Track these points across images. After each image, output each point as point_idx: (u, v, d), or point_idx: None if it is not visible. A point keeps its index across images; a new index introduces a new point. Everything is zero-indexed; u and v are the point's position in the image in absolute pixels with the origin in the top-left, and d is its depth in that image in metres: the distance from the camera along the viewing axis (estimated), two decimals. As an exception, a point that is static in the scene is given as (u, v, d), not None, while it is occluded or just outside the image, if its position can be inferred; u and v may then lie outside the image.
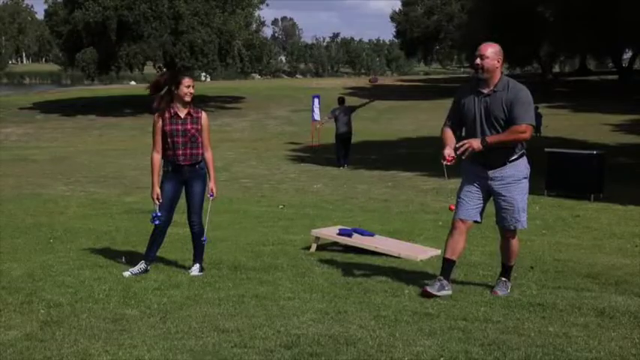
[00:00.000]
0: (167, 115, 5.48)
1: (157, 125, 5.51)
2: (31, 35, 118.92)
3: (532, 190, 14.42)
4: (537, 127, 23.10)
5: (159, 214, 5.55)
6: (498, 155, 4.85)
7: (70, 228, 8.19)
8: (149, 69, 42.04)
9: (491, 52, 4.85)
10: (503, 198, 4.93)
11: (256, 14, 40.79)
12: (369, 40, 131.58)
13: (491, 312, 4.56)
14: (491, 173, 4.91)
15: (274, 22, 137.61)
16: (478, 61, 4.85)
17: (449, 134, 5.05)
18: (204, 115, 5.61)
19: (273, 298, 4.90)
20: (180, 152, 5.47)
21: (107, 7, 33.55)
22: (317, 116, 23.83)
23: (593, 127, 25.68)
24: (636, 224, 9.05)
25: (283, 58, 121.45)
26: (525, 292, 5.09)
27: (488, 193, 4.98)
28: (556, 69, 62.50)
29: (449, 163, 4.90)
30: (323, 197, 12.00)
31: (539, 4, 33.01)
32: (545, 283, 5.43)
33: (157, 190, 5.53)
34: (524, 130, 4.77)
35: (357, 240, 6.72)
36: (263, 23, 42.97)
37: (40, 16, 66.80)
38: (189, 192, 5.59)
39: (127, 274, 5.54)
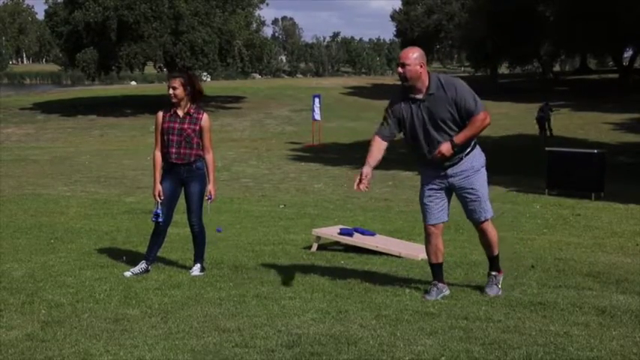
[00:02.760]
0: (167, 113, 5.55)
1: (157, 123, 5.58)
2: (32, 35, 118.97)
3: (533, 189, 14.34)
4: (548, 125, 23.11)
5: (159, 211, 5.56)
6: (454, 153, 4.76)
7: (70, 228, 8.19)
8: (149, 69, 42.08)
9: (412, 58, 4.70)
10: (466, 191, 4.86)
11: (256, 14, 40.83)
12: (370, 40, 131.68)
13: (493, 311, 4.56)
14: (449, 171, 4.83)
15: (274, 21, 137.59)
16: (400, 69, 4.71)
17: (377, 146, 4.89)
18: (205, 116, 5.58)
19: (274, 297, 4.90)
20: (174, 150, 5.49)
21: (107, 7, 33.55)
22: (317, 116, 23.84)
23: (594, 126, 25.68)
24: (637, 223, 9.06)
25: (283, 58, 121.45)
26: (526, 291, 5.09)
27: (450, 190, 4.90)
28: (556, 68, 62.45)
29: (362, 190, 4.73)
30: (324, 197, 12.00)
31: (540, 3, 33.00)
32: (546, 282, 5.42)
33: (159, 187, 5.55)
34: (483, 117, 4.70)
35: (357, 239, 6.72)
36: (263, 23, 42.98)
37: (41, 16, 66.91)
38: (187, 192, 5.60)
39: (127, 274, 5.53)
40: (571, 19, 28.13)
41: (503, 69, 59.20)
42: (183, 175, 5.55)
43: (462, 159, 4.81)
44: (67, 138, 28.36)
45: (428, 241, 5.01)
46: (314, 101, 24.07)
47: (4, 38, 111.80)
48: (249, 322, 4.31)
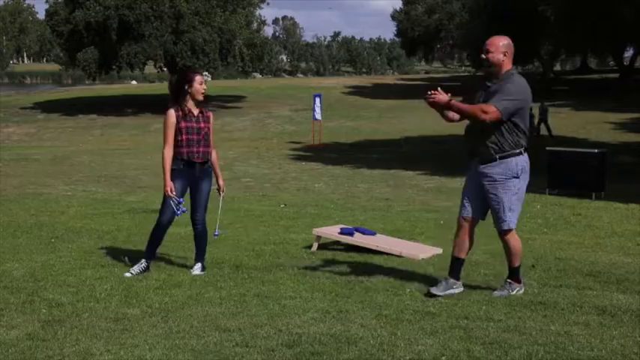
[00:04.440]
0: (181, 112, 5.49)
1: (170, 121, 5.48)
2: (32, 35, 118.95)
3: (533, 189, 14.39)
4: (547, 127, 23.10)
5: (182, 200, 5.54)
6: (484, 146, 4.77)
7: (71, 227, 8.19)
8: (150, 68, 42.07)
9: (497, 45, 4.80)
10: (490, 197, 4.88)
11: (257, 13, 40.84)
12: (370, 39, 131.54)
13: (493, 311, 4.56)
14: (482, 168, 4.86)
15: (275, 21, 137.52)
16: (483, 55, 4.82)
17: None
18: (211, 114, 5.73)
19: (275, 297, 4.90)
20: (195, 150, 5.49)
21: (108, 6, 33.56)
22: (318, 115, 23.84)
23: (595, 126, 25.67)
24: (638, 222, 9.04)
25: (284, 57, 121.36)
26: (527, 291, 5.09)
27: (483, 190, 4.92)
28: (557, 67, 62.41)
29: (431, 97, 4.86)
30: (324, 196, 12.00)
31: (540, 2, 32.97)
32: (546, 281, 5.42)
33: (171, 183, 5.46)
34: (486, 110, 4.67)
35: (358, 239, 6.72)
36: (264, 22, 42.97)
37: (41, 15, 66.90)
38: (197, 190, 5.58)
39: (128, 274, 5.52)
40: (571, 18, 28.12)
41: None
42: (197, 173, 5.54)
43: (496, 160, 4.81)
44: (67, 137, 28.37)
45: (456, 233, 5.05)
46: (315, 101, 24.07)
47: (4, 38, 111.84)
48: (249, 321, 4.31)
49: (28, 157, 20.16)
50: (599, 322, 4.33)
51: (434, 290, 4.90)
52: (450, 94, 4.86)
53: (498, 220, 4.91)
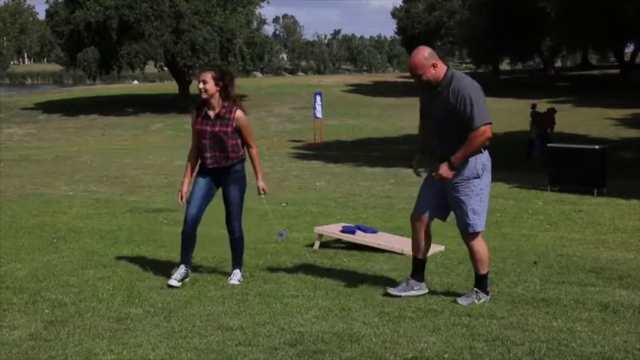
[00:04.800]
0: (200, 113, 5.21)
1: (192, 123, 5.27)
2: (33, 35, 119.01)
3: (535, 186, 14.28)
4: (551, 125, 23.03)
5: (284, 232, 5.48)
6: (445, 148, 4.61)
7: (73, 228, 8.20)
8: (150, 68, 42.07)
9: (422, 64, 4.54)
10: (452, 199, 4.69)
11: (257, 12, 40.81)
12: (371, 37, 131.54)
13: (495, 308, 4.56)
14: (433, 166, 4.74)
15: (275, 19, 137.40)
16: (417, 80, 4.62)
17: (422, 133, 4.94)
18: (238, 114, 5.16)
19: (277, 295, 4.90)
20: (208, 155, 5.17)
21: (108, 6, 33.56)
22: (319, 113, 23.84)
23: (596, 122, 25.65)
24: (639, 218, 9.04)
25: (284, 56, 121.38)
26: (529, 288, 5.09)
27: (444, 191, 4.74)
28: (558, 64, 62.34)
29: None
30: (326, 194, 11.99)
31: (541, -1, 32.95)
32: (548, 278, 5.42)
33: (184, 189, 5.25)
34: (482, 132, 4.48)
35: (360, 237, 6.72)
36: (264, 21, 42.95)
37: (42, 16, 66.89)
38: (226, 197, 5.27)
39: (173, 282, 5.12)
40: (572, 14, 28.07)
41: (505, 65, 59.10)
42: (221, 178, 5.24)
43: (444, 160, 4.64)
44: (68, 137, 28.38)
45: (412, 234, 4.96)
46: (315, 99, 24.08)
47: (5, 38, 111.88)
48: (252, 320, 4.31)
49: (29, 157, 20.17)
50: (601, 318, 4.33)
51: (391, 290, 4.79)
52: (446, 164, 4.57)
53: (462, 224, 4.70)
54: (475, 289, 4.76)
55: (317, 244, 6.82)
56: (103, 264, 5.98)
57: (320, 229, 6.94)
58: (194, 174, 5.32)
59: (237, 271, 5.36)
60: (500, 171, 14.60)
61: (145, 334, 4.07)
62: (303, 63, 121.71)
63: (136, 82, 59.76)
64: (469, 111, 4.48)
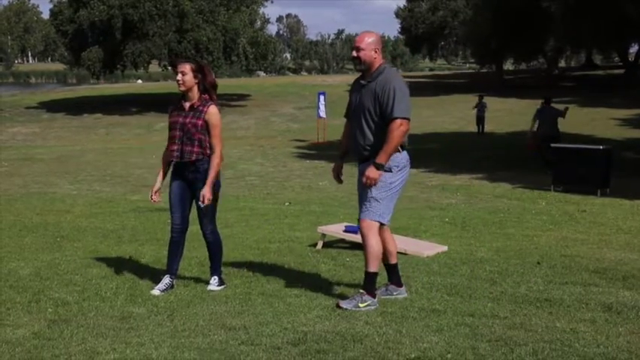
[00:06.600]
0: (176, 106, 5.06)
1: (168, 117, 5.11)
2: (37, 35, 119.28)
3: (538, 186, 14.21)
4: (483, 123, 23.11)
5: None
6: (362, 146, 4.63)
7: (76, 226, 8.21)
8: (154, 67, 42.10)
9: (367, 42, 4.60)
10: (362, 189, 4.63)
11: (261, 12, 40.83)
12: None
13: (499, 308, 4.55)
14: (360, 167, 4.72)
15: (279, 19, 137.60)
16: (354, 53, 4.63)
17: (345, 136, 4.96)
18: (211, 109, 4.91)
19: (280, 295, 4.90)
20: (175, 147, 4.95)
21: (112, 5, 33.62)
22: (322, 113, 23.83)
23: (600, 122, 25.58)
24: (643, 219, 9.02)
25: (288, 56, 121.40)
26: (532, 288, 5.08)
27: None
28: (562, 64, 62.24)
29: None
30: (329, 194, 11.99)
31: (545, -2, 32.88)
32: (552, 278, 5.41)
33: (156, 187, 5.11)
34: (398, 125, 4.46)
35: (363, 237, 6.70)
36: (267, 21, 42.96)
37: (46, 15, 66.92)
38: (195, 197, 4.96)
39: (155, 292, 4.96)
40: (576, 14, 28.00)
41: (509, 65, 59.02)
42: (188, 176, 4.98)
43: (369, 159, 4.61)
44: (72, 137, 28.42)
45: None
46: (319, 99, 24.06)
47: (9, 37, 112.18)
48: (254, 319, 4.31)
49: (33, 156, 20.21)
50: (605, 319, 4.32)
51: (342, 303, 4.57)
52: (372, 167, 4.54)
53: (361, 209, 4.62)
54: (361, 290, 4.60)
55: (320, 243, 6.82)
56: (107, 263, 5.99)
57: (323, 229, 6.94)
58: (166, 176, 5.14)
59: (215, 278, 5.12)
60: (504, 171, 14.65)
61: (148, 333, 4.08)
62: (307, 62, 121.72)
63: (139, 81, 59.81)
64: (391, 102, 4.51)
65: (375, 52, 4.62)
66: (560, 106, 16.66)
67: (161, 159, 5.20)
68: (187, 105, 4.99)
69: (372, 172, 4.54)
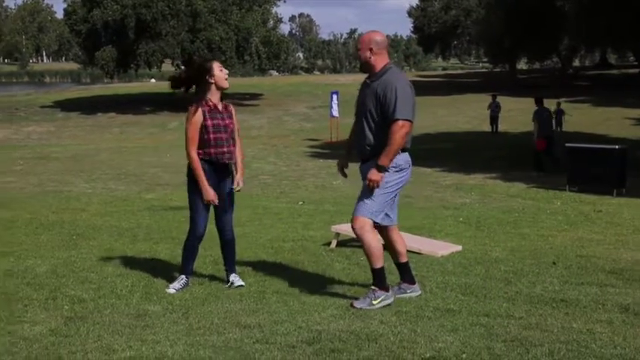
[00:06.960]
0: (206, 108, 4.91)
1: (193, 119, 4.86)
2: (51, 34, 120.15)
3: (553, 186, 14.12)
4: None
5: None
6: (363, 146, 4.68)
7: (92, 225, 8.26)
8: (167, 66, 42.27)
9: (362, 42, 4.62)
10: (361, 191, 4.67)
11: (273, 11, 40.89)
12: (387, 36, 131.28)
13: (514, 308, 4.53)
14: (362, 167, 4.75)
15: (291, 18, 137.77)
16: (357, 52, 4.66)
17: (352, 134, 4.97)
18: (233, 109, 5.13)
19: (294, 294, 4.91)
20: (226, 150, 4.94)
21: (125, 5, 33.81)
22: (335, 112, 23.82)
23: (615, 122, 25.38)
24: (660, 219, 8.93)
25: (301, 55, 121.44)
26: (548, 288, 5.05)
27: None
28: (576, 63, 61.84)
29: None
30: (342, 193, 11.98)
31: (559, -3, 32.70)
32: (568, 279, 5.37)
33: (212, 190, 4.91)
34: (399, 127, 4.46)
35: (377, 236, 6.69)
36: (280, 20, 43.00)
37: (60, 15, 67.43)
38: (220, 193, 4.99)
39: (171, 290, 4.97)
40: (590, 13, 27.82)
41: (522, 64, 58.70)
42: (221, 175, 5.01)
43: (369, 159, 4.63)
44: (86, 135, 28.60)
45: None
46: (332, 98, 24.06)
47: (24, 37, 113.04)
48: (269, 318, 4.32)
49: (48, 155, 20.36)
50: (622, 319, 4.28)
51: (356, 303, 4.56)
52: (375, 169, 4.55)
53: (355, 206, 4.66)
54: (372, 287, 4.62)
55: (334, 242, 6.81)
56: (122, 261, 6.03)
57: (337, 228, 6.94)
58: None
59: (236, 275, 5.19)
60: (518, 171, 14.57)
61: (164, 330, 4.10)
62: (320, 62, 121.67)
63: (153, 80, 60.05)
64: (393, 102, 4.49)
65: (371, 51, 4.59)
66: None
67: (197, 164, 4.90)
68: (221, 106, 5.00)
69: (374, 174, 4.56)
